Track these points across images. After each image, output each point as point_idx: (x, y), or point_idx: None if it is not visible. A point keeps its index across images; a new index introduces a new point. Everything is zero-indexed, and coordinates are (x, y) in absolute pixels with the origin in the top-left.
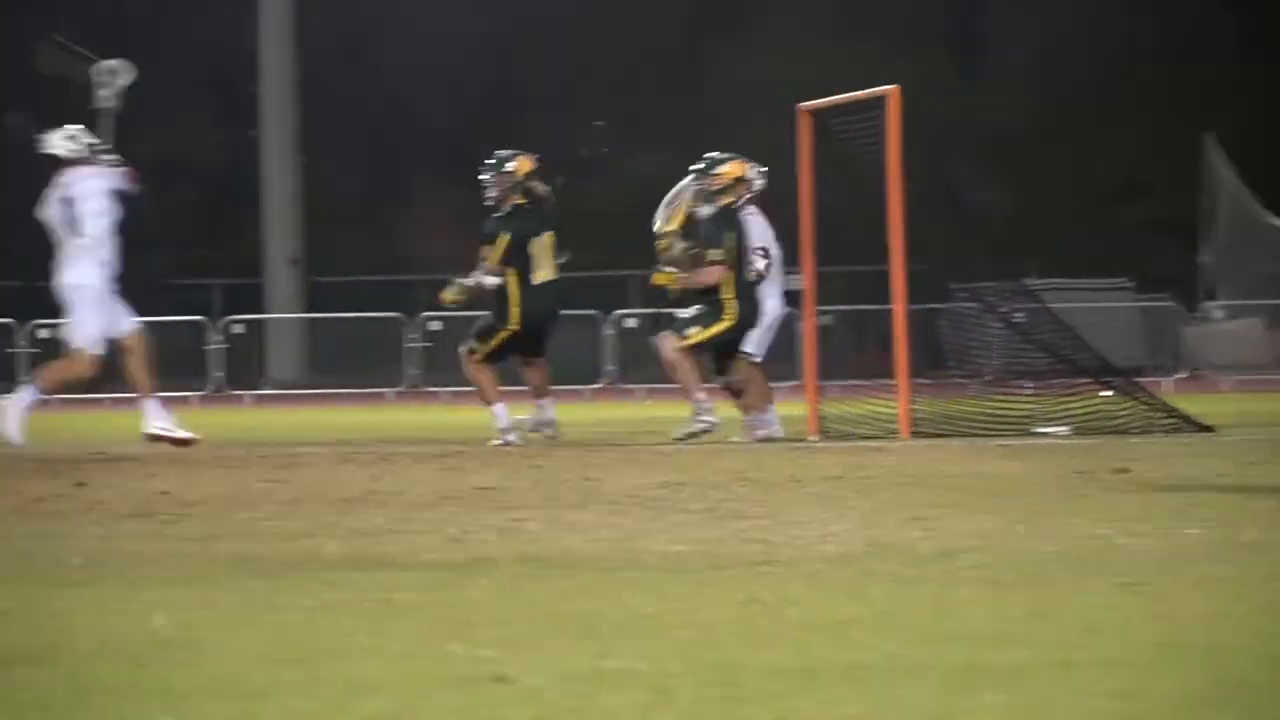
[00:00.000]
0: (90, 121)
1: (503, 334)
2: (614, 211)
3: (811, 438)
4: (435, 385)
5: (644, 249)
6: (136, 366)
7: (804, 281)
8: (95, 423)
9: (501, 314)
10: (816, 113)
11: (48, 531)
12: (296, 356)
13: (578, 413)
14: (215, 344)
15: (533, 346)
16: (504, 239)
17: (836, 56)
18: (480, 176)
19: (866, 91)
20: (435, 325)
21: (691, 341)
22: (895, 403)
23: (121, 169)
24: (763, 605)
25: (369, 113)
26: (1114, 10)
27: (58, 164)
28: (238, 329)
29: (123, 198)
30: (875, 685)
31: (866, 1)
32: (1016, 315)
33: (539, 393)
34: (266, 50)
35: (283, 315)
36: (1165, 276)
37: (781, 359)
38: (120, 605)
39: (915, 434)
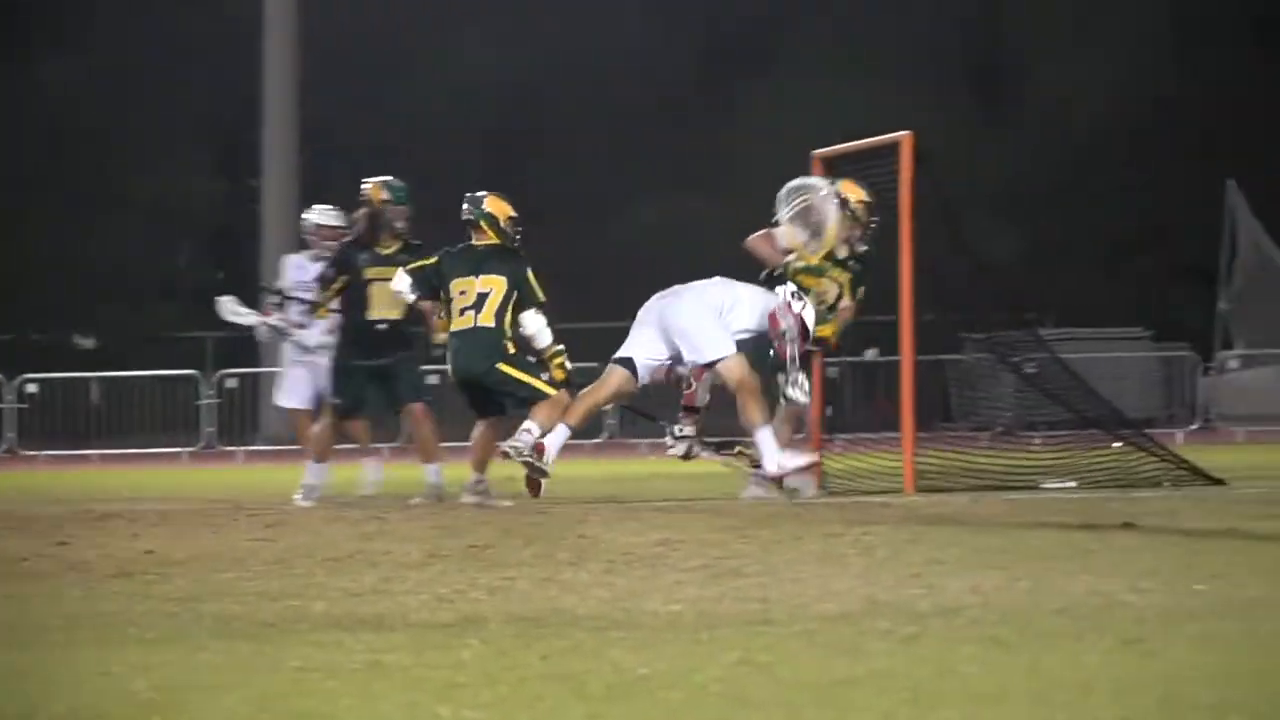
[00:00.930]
0: None
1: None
2: (623, 260)
3: (813, 492)
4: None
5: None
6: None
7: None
8: (82, 480)
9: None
10: (830, 159)
11: (28, 593)
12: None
13: (578, 469)
14: (207, 398)
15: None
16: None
17: (854, 102)
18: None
19: (880, 138)
20: (433, 380)
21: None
22: (901, 456)
23: None
24: (756, 665)
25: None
26: (1136, 55)
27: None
28: (231, 383)
29: None
30: None
31: (889, 44)
32: (1028, 366)
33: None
34: (270, 97)
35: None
36: (1183, 325)
37: None
38: (101, 668)
39: (920, 488)
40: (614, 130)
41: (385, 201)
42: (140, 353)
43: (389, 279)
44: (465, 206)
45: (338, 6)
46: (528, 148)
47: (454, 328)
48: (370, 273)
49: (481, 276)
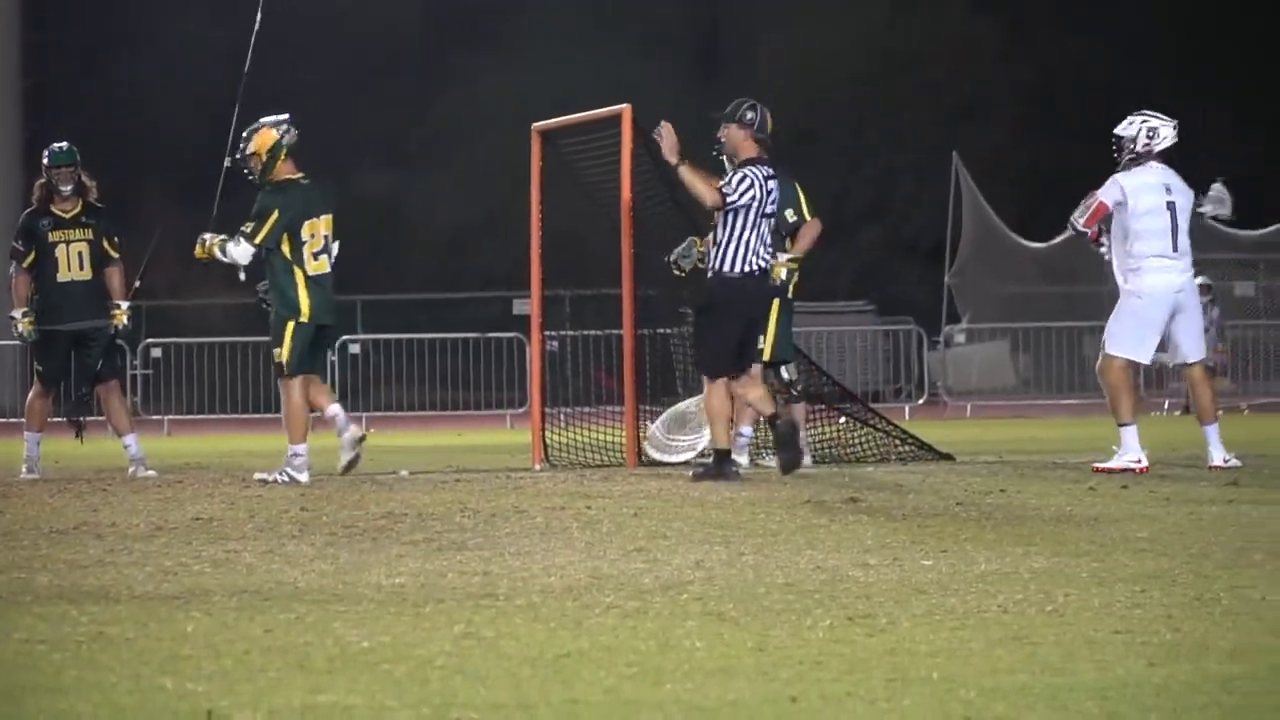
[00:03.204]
0: None
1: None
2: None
3: (536, 466)
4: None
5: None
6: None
7: (531, 305)
8: None
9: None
10: (549, 133)
11: None
12: (14, 383)
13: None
14: None
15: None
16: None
17: (579, 70)
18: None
19: (600, 110)
20: (156, 352)
21: None
22: (623, 430)
23: None
24: (480, 639)
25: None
26: (865, 21)
27: None
28: None
29: None
30: None
31: (610, 14)
32: None
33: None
34: None
35: (0, 342)
36: (908, 300)
37: (508, 385)
38: None
39: (642, 463)
40: (328, 99)
41: (45, 167)
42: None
43: (72, 241)
44: (286, 136)
45: None
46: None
47: (313, 272)
48: (55, 236)
49: (323, 217)
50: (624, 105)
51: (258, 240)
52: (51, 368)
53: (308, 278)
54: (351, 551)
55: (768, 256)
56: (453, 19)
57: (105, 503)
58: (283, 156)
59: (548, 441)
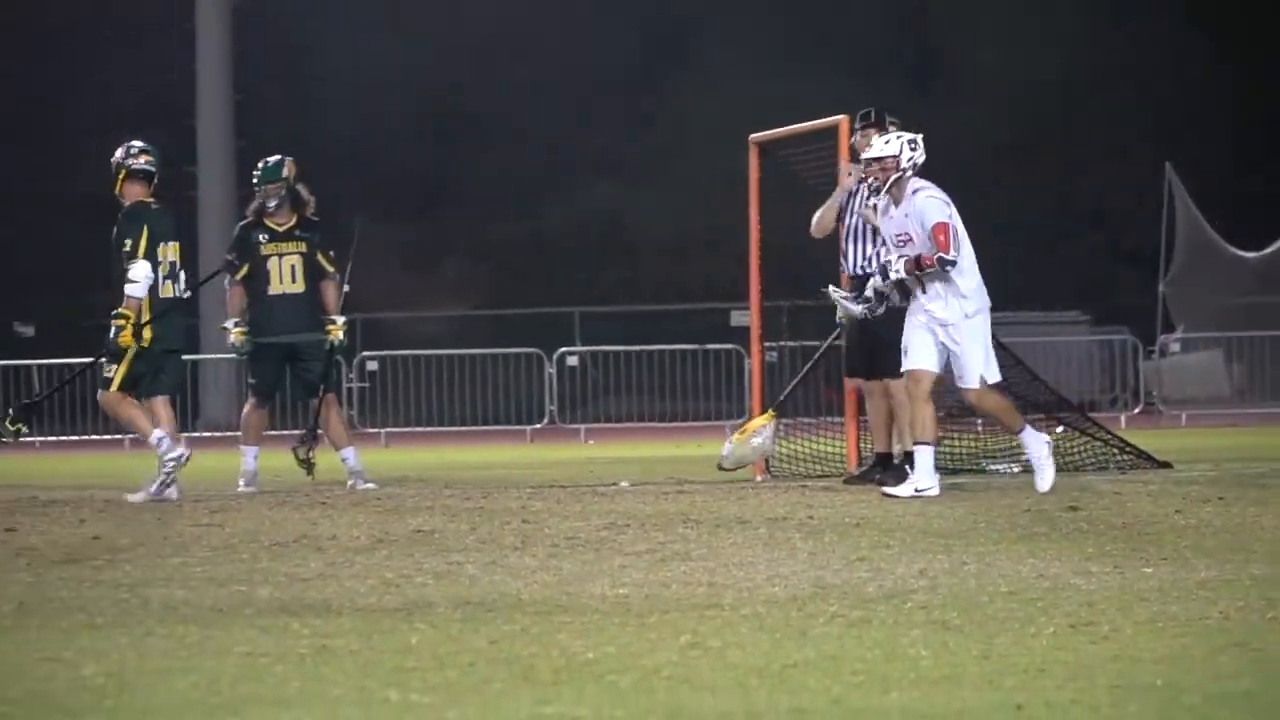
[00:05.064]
0: None
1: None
2: (561, 246)
3: (758, 477)
4: (371, 426)
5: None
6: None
7: (751, 316)
8: (28, 466)
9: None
10: (767, 144)
11: None
12: (231, 397)
13: (518, 454)
14: None
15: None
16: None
17: (790, 85)
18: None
19: (817, 122)
20: (372, 365)
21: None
22: (844, 441)
23: None
24: (706, 649)
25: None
26: (1076, 37)
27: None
28: None
29: None
30: None
31: (823, 30)
32: None
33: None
34: (205, 83)
35: (217, 356)
36: (1123, 309)
37: (728, 397)
38: (51, 653)
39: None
40: (546, 117)
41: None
42: (82, 341)
43: (285, 254)
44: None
45: None
46: (461, 133)
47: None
48: (267, 249)
49: (173, 243)
50: (840, 116)
51: (140, 253)
52: (264, 380)
53: (157, 301)
54: (575, 563)
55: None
56: (669, 35)
57: (325, 516)
58: (123, 177)
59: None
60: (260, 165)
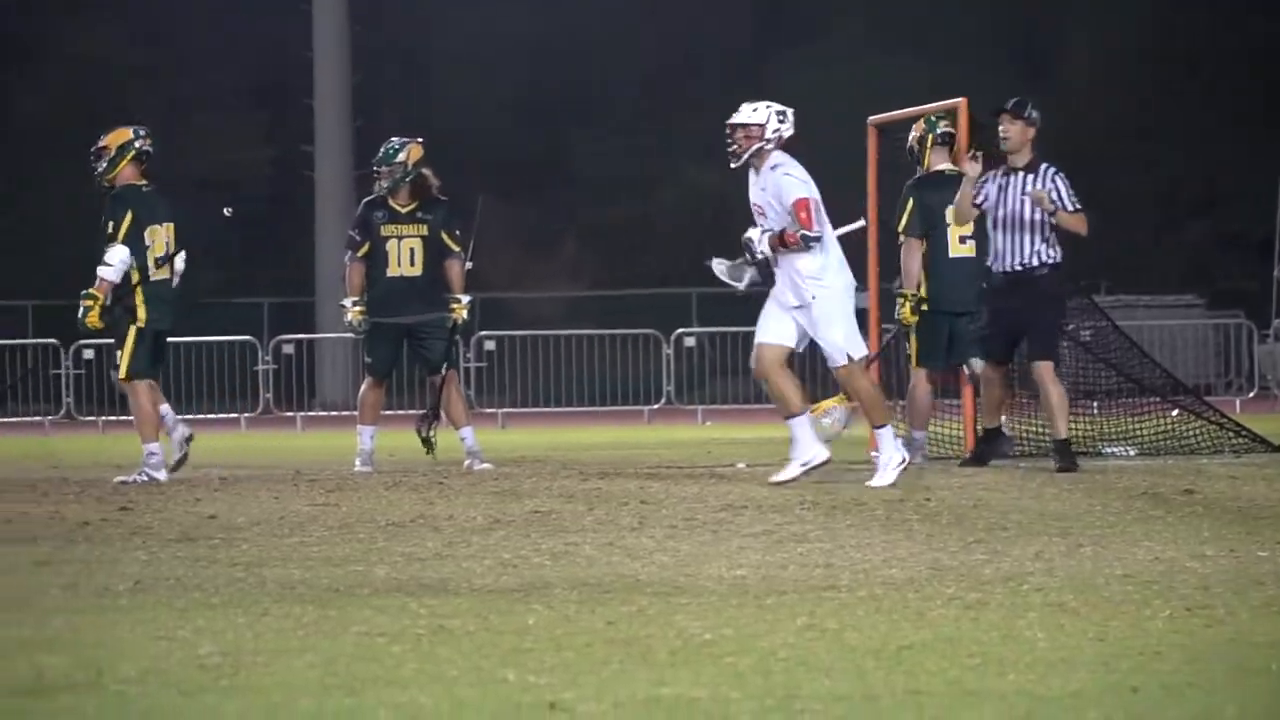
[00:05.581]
0: None
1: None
2: (676, 227)
3: (874, 457)
4: (488, 406)
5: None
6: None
7: (869, 298)
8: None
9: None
10: (885, 126)
11: (93, 557)
12: (348, 377)
13: (636, 434)
14: (264, 364)
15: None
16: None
17: (899, 68)
18: (375, 167)
19: (936, 104)
20: (490, 345)
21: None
22: (960, 423)
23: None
24: (823, 631)
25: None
26: (1189, 19)
27: None
28: (288, 349)
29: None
30: (936, 712)
31: (936, 12)
32: (1083, 333)
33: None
34: (321, 62)
35: (334, 335)
36: (1235, 293)
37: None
38: (167, 631)
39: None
40: (657, 98)
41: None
42: (194, 319)
43: (404, 236)
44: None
45: None
46: (568, 114)
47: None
48: (387, 230)
49: (166, 224)
50: (959, 99)
51: (120, 237)
52: (380, 360)
53: (147, 284)
54: (692, 544)
55: None
56: (782, 16)
57: (441, 496)
58: (130, 158)
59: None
60: (384, 146)
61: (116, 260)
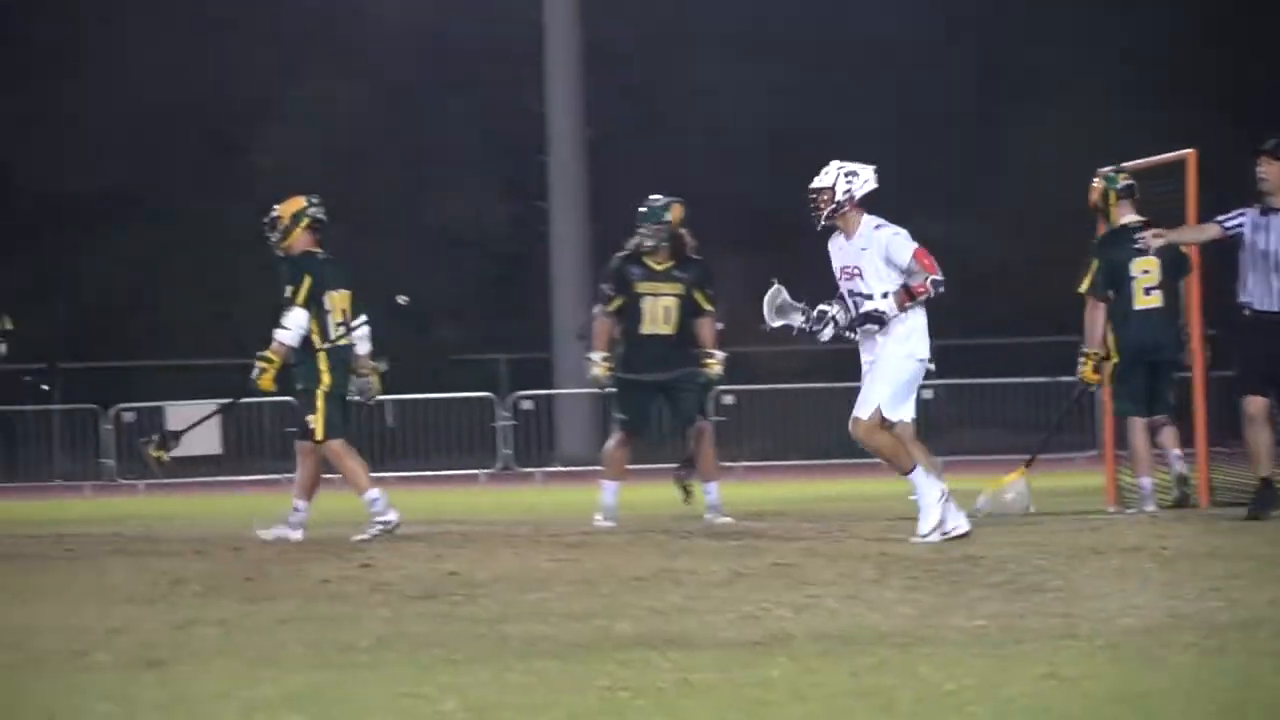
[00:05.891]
0: None
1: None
2: None
3: (1109, 508)
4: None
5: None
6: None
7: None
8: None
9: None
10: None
11: (335, 614)
12: (588, 432)
13: (879, 487)
14: (503, 420)
15: None
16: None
17: (1126, 123)
18: (638, 225)
19: (1165, 156)
20: (728, 399)
21: None
22: (1194, 471)
23: None
24: (1062, 679)
25: (663, 177)
26: None
27: None
28: (526, 404)
29: None
30: None
31: (1158, 68)
32: None
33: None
34: (555, 116)
35: (573, 390)
36: None
37: (1077, 429)
38: (411, 688)
39: (1215, 502)
40: (890, 147)
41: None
42: (432, 376)
43: (660, 295)
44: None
45: (620, 22)
46: (809, 166)
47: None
48: (642, 287)
49: (342, 291)
50: (1188, 150)
51: (299, 301)
52: (633, 417)
53: (331, 348)
54: (932, 594)
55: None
56: (1010, 69)
57: (683, 550)
58: (304, 225)
59: (1120, 484)
60: (646, 204)
61: (294, 324)
